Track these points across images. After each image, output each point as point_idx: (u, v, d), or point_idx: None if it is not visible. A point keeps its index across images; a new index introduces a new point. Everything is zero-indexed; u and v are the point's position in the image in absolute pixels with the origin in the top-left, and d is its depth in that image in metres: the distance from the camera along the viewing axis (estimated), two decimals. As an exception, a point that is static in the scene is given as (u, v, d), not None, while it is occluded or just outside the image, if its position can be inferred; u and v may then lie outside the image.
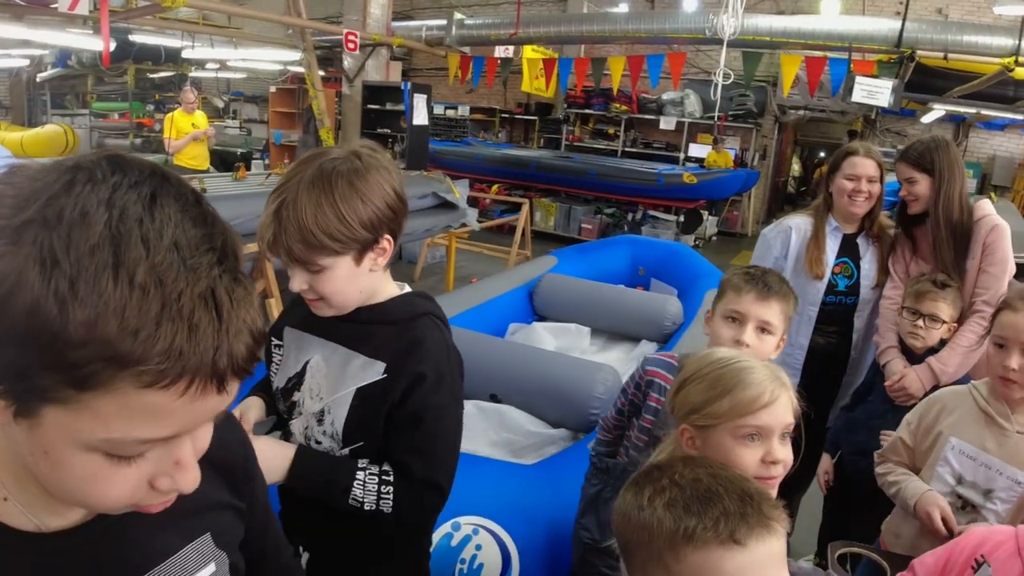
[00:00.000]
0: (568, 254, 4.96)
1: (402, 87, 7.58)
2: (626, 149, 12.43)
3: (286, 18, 7.14)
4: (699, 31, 6.81)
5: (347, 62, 7.97)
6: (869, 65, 6.28)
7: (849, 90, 6.03)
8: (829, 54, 6.46)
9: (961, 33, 6.07)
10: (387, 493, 1.17)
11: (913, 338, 2.17)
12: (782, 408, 1.08)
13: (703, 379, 1.11)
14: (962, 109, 8.54)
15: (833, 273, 2.48)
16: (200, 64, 12.39)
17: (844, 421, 2.33)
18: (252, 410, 1.31)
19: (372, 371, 1.19)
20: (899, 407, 2.11)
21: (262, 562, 0.81)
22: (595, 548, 1.61)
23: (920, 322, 2.15)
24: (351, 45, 7.17)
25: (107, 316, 0.44)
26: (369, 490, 1.17)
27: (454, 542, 1.84)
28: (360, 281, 1.15)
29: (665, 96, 11.82)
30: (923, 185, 2.29)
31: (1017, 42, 5.75)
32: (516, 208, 7.68)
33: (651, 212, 9.87)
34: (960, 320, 2.19)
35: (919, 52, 6.18)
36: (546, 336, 3.84)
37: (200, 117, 7.33)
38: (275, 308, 3.81)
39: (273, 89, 10.45)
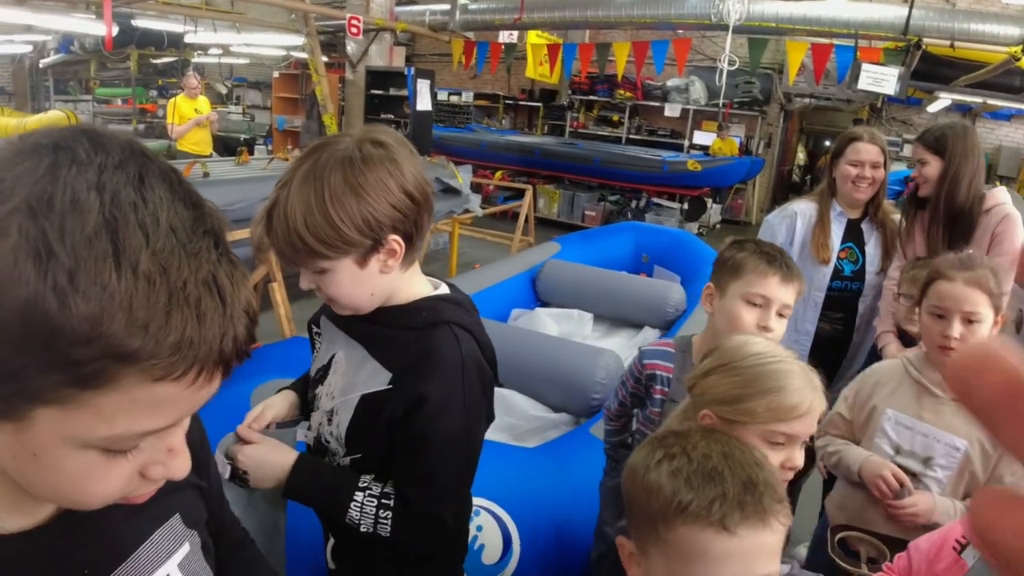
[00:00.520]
0: (571, 241, 4.97)
1: (406, 73, 7.55)
2: (630, 136, 12.37)
3: (289, 2, 7.08)
4: (704, 17, 6.75)
5: (350, 47, 7.92)
6: (875, 52, 6.23)
7: (855, 77, 5.98)
8: (835, 41, 6.41)
9: (968, 21, 6.01)
10: (385, 518, 1.10)
11: (910, 323, 2.16)
12: (813, 418, 1.06)
13: (739, 372, 1.07)
14: (968, 98, 8.49)
15: (839, 258, 2.48)
16: (203, 49, 12.39)
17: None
18: (271, 409, 1.26)
19: (378, 380, 1.10)
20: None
21: (220, 537, 0.80)
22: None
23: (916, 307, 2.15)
24: (354, 30, 7.13)
25: (113, 310, 0.42)
26: (367, 513, 1.10)
27: (456, 523, 1.85)
28: (370, 284, 1.05)
29: (670, 83, 11.75)
30: (933, 167, 2.27)
31: (1025, 30, 5.71)
32: (520, 194, 7.66)
33: (655, 199, 9.84)
34: None
35: (926, 40, 6.13)
36: (549, 322, 3.85)
37: (203, 103, 7.30)
38: (278, 293, 3.80)
39: (276, 75, 10.43)
